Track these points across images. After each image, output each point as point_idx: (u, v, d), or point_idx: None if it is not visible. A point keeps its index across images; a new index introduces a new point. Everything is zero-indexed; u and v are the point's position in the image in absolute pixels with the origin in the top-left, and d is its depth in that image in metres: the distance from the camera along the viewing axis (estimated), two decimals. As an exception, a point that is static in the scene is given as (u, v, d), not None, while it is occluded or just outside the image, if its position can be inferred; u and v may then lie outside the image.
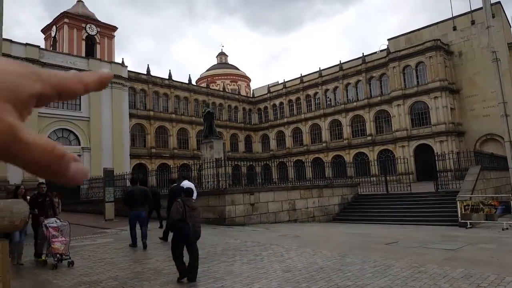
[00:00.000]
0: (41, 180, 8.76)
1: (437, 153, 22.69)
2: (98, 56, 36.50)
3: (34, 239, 7.91)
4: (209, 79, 62.66)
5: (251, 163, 32.97)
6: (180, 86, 44.85)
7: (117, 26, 39.05)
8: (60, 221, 7.53)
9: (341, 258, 7.28)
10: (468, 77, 36.03)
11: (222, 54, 74.04)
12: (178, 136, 43.22)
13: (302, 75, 49.00)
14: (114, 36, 39.42)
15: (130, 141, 35.92)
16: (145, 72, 41.65)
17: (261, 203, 14.29)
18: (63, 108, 29.76)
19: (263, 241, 9.56)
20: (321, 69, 46.98)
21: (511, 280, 5.36)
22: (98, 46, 38.02)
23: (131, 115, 36.97)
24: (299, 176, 24.88)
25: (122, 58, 36.64)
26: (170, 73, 44.23)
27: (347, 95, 43.23)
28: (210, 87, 52.10)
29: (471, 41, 36.19)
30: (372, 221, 14.79)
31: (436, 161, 17.16)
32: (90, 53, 36.59)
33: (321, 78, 45.49)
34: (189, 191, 6.38)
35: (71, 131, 30.21)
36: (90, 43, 37.87)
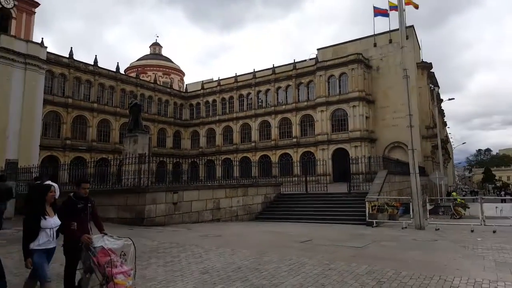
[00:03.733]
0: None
1: (351, 157, 24.63)
2: (12, 32, 32.29)
3: (65, 271, 4.77)
4: (139, 69, 59.64)
5: (178, 160, 32.20)
6: (106, 73, 42.02)
7: (39, 2, 34.96)
8: (115, 238, 4.60)
9: (259, 257, 7.49)
10: (382, 90, 39.69)
11: (156, 45, 70.99)
12: (98, 127, 40.46)
13: (237, 74, 49.32)
14: (35, 12, 35.10)
15: (42, 130, 32.48)
16: (68, 56, 38.27)
17: (185, 202, 14.02)
18: (-41, 87, 25.85)
19: (182, 242, 9.40)
20: (255, 70, 47.83)
21: (405, 275, 6.02)
22: (13, 21, 33.65)
23: (46, 101, 33.46)
24: (227, 174, 24.95)
25: (42, 38, 33.06)
26: (96, 58, 41.24)
27: (277, 98, 44.71)
28: (140, 77, 49.61)
29: (388, 58, 39.93)
30: (292, 219, 15.45)
31: (351, 164, 18.58)
32: (3, 28, 32.26)
33: (255, 80, 46.39)
34: None
35: (-31, 114, 26.37)
36: (5, 17, 33.36)
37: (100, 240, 4.46)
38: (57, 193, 11.74)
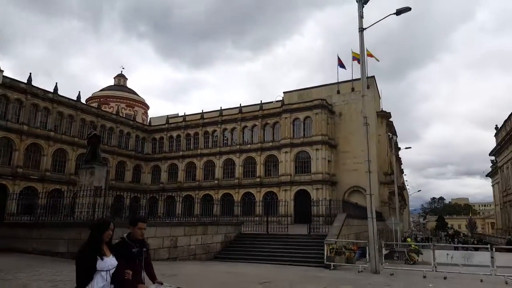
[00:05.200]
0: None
1: (313, 199, 25.00)
2: (-34, 53, 31.13)
3: None
4: (102, 99, 58.52)
5: (137, 194, 31.09)
6: (66, 102, 40.85)
7: (-2, 27, 34.21)
8: None
9: (214, 299, 7.21)
10: (344, 135, 41.28)
11: (121, 76, 70.49)
12: (54, 157, 38.71)
13: (204, 111, 49.68)
14: (-8, 35, 34.34)
15: (-9, 156, 30.67)
16: (26, 81, 36.94)
17: (140, 238, 13.38)
18: None
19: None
20: (222, 108, 48.48)
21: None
22: (-33, 43, 32.54)
23: (-2, 127, 31.93)
24: (188, 212, 24.29)
25: (-2, 61, 31.90)
26: (56, 86, 40.01)
27: (243, 136, 45.20)
28: (102, 108, 48.59)
29: (350, 105, 42.01)
30: (251, 260, 15.11)
31: (312, 206, 18.80)
32: (-45, 49, 31.03)
33: (221, 117, 46.87)
34: None
35: None
36: (-42, 39, 32.21)
37: None
38: None
